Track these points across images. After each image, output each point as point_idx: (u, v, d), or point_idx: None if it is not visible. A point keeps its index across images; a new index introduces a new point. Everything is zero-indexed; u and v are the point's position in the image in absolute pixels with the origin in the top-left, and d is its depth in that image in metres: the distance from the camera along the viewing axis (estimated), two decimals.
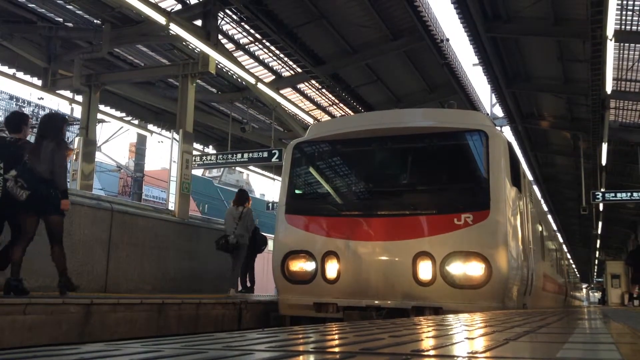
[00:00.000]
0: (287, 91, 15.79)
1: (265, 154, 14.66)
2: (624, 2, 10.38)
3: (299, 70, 14.58)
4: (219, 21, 11.86)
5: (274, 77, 15.08)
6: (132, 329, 5.47)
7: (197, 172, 28.42)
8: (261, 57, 14.34)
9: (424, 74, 15.50)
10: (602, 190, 18.36)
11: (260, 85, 12.71)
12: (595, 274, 49.47)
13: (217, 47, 11.12)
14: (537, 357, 1.87)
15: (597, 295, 50.14)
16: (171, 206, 10.77)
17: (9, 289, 5.29)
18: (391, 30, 13.11)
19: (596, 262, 41.10)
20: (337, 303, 6.48)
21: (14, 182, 5.31)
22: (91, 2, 11.07)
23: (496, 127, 7.47)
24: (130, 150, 33.72)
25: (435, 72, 15.02)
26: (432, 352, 1.80)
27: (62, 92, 13.62)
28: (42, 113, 30.51)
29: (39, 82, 13.06)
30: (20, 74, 13.34)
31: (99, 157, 20.55)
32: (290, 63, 14.37)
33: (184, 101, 11.19)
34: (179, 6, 11.59)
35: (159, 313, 5.87)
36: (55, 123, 6.06)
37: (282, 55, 13.97)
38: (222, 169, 38.71)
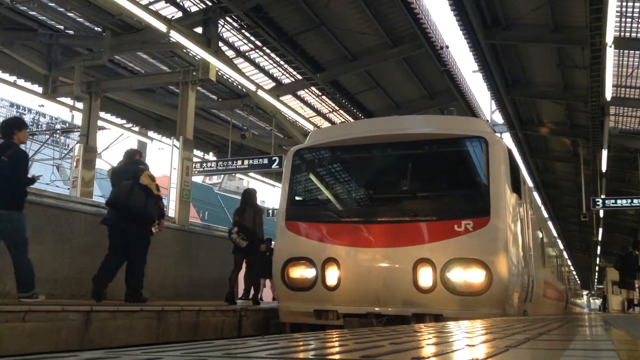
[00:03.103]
0: (287, 98, 15.83)
1: (266, 161, 14.68)
2: (623, 9, 10.41)
3: (299, 77, 14.62)
4: (220, 28, 11.91)
5: (274, 84, 15.12)
6: (132, 336, 5.46)
7: (197, 179, 28.43)
8: (261, 64, 14.38)
9: (424, 81, 15.54)
10: (602, 196, 18.36)
11: (260, 92, 12.74)
12: (595, 280, 49.37)
13: (217, 54, 11.16)
14: None
15: (598, 302, 50.00)
16: (171, 213, 10.77)
17: (227, 299, 8.33)
18: (391, 37, 13.16)
19: (597, 268, 41.04)
20: (338, 310, 6.47)
21: (236, 235, 8.44)
22: (92, 10, 11.11)
23: (496, 134, 7.47)
24: None
25: (435, 79, 15.06)
26: (432, 359, 1.80)
27: (62, 99, 13.66)
28: (42, 120, 30.57)
29: (40, 90, 13.09)
30: (21, 82, 13.38)
31: (99, 164, 20.52)
32: (290, 70, 14.41)
33: (184, 108, 11.21)
34: (180, 14, 11.64)
35: (159, 320, 5.86)
36: (254, 195, 9.06)
37: (282, 62, 14.01)
38: (222, 176, 38.71)
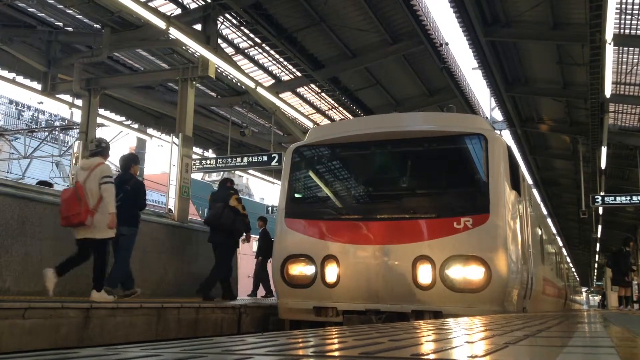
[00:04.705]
0: (287, 95, 15.81)
1: (265, 158, 14.67)
2: (623, 6, 10.40)
3: (299, 74, 14.60)
4: (219, 25, 11.88)
5: (273, 81, 15.10)
6: (132, 333, 5.47)
7: (197, 176, 28.39)
8: (261, 61, 14.36)
9: (423, 78, 15.52)
10: (602, 193, 18.36)
11: (259, 89, 12.71)
12: (595, 277, 49.46)
13: (216, 51, 11.14)
14: None
15: (597, 298, 50.11)
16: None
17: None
18: (390, 35, 13.14)
19: (596, 265, 41.10)
20: (337, 307, 6.48)
21: None
22: (91, 7, 11.08)
23: (495, 131, 7.47)
24: None
25: (435, 76, 15.04)
26: (432, 356, 1.80)
27: (61, 96, 13.63)
28: (41, 117, 30.52)
29: (39, 87, 13.06)
30: (20, 79, 13.36)
31: None
32: (290, 67, 14.39)
33: (183, 105, 11.19)
34: (179, 10, 11.61)
35: (158, 317, 5.87)
36: None
37: (281, 59, 13.99)
38: (221, 173, 38.69)
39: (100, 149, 6.66)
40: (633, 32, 11.21)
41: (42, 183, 10.46)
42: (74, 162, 12.20)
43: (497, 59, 13.62)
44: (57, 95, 13.35)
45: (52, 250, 6.89)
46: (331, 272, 6.52)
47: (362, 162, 7.52)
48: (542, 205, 23.02)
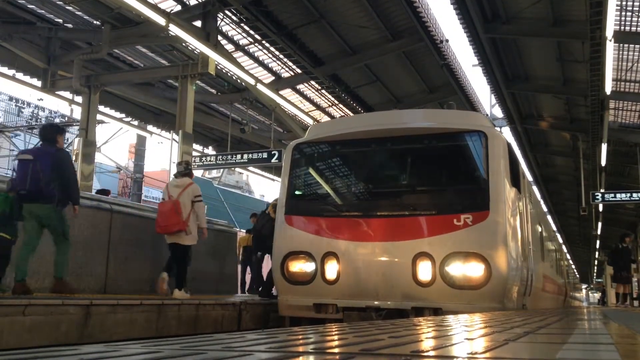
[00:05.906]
0: (287, 92, 15.80)
1: (265, 155, 14.66)
2: (623, 3, 10.39)
3: (299, 71, 14.59)
4: (219, 22, 11.87)
5: (273, 78, 15.09)
6: (132, 330, 5.47)
7: (197, 173, 28.35)
8: (261, 58, 14.34)
9: (424, 75, 15.51)
10: (602, 190, 18.36)
11: (259, 86, 12.70)
12: (595, 274, 49.49)
13: (216, 48, 11.13)
14: (536, 357, 1.87)
15: (597, 295, 50.16)
16: None
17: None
18: (390, 31, 13.12)
19: (596, 262, 41.12)
20: (337, 304, 6.48)
21: None
22: (91, 3, 11.08)
23: (495, 128, 7.47)
24: (130, 151, 33.63)
25: (435, 73, 15.03)
26: (431, 353, 1.80)
27: (61, 93, 13.64)
28: (41, 114, 30.47)
29: (39, 83, 13.07)
30: (19, 75, 13.36)
31: (98, 158, 20.51)
32: (290, 64, 14.38)
33: (183, 102, 11.19)
34: (179, 7, 11.60)
35: (159, 314, 5.87)
36: None
37: (281, 56, 13.98)
38: (221, 170, 38.68)
39: (188, 170, 8.01)
40: (633, 29, 11.21)
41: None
42: (74, 159, 12.18)
43: (498, 56, 13.61)
44: (57, 92, 13.36)
45: (51, 248, 6.89)
46: (331, 269, 6.52)
47: (362, 159, 7.51)
48: (542, 202, 23.03)
